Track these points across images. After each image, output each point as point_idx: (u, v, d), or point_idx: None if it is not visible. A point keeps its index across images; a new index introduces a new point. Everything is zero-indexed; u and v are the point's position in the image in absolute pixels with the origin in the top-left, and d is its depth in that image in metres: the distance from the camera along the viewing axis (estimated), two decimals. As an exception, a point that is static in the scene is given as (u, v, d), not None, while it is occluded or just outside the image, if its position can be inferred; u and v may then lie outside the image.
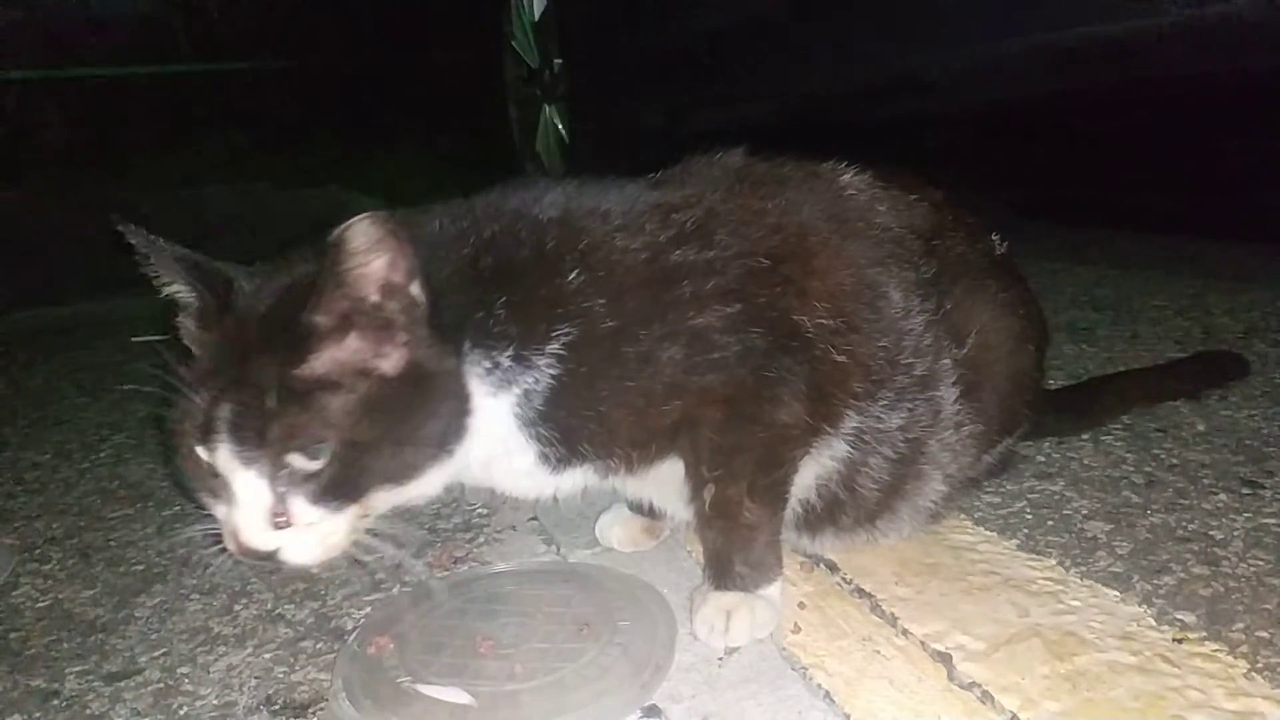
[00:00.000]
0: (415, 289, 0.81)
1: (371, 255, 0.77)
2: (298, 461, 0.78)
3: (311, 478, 0.79)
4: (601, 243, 0.90)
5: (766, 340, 0.91)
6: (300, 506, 0.80)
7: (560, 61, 3.63)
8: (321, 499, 0.80)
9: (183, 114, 4.64)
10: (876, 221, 1.02)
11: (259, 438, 0.77)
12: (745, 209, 0.96)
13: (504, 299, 0.87)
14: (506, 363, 0.87)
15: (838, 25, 2.21)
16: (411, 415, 0.83)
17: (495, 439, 0.90)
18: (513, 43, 3.92)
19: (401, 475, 0.84)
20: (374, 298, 0.80)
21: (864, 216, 1.02)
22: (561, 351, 0.87)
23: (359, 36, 4.99)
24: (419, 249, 0.82)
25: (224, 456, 0.79)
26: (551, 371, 0.87)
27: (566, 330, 0.87)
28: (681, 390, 0.90)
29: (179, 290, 0.87)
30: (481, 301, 0.87)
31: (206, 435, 0.80)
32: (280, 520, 0.80)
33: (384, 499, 0.86)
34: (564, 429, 0.90)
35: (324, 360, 0.79)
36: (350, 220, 0.75)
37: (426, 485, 0.88)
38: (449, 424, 0.85)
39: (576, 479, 0.96)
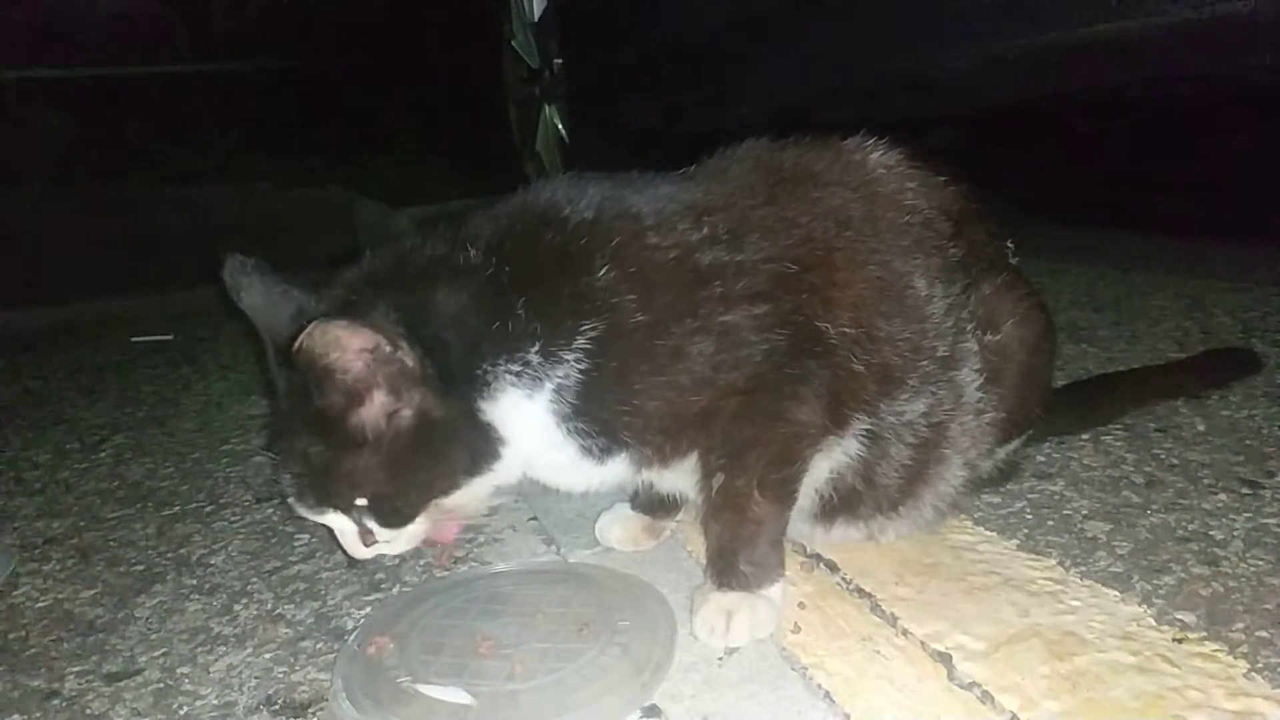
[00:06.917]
0: (401, 353, 0.86)
1: (334, 351, 0.83)
2: (351, 505, 0.91)
3: (368, 511, 0.91)
4: (632, 241, 0.92)
5: (791, 342, 0.93)
6: (377, 529, 0.92)
7: (560, 61, 3.63)
8: (385, 524, 0.92)
9: (183, 114, 4.65)
10: (906, 204, 1.03)
11: (313, 502, 0.91)
12: (777, 216, 0.97)
13: (524, 300, 0.90)
14: (535, 360, 0.90)
15: (837, 24, 2.21)
16: (429, 460, 0.91)
17: (536, 438, 0.94)
18: (513, 43, 3.92)
19: (441, 493, 0.93)
20: (361, 373, 0.85)
21: (893, 200, 1.03)
22: (589, 345, 0.90)
23: (359, 36, 5.00)
24: (410, 303, 0.89)
25: (300, 511, 0.93)
26: (580, 365, 0.90)
27: (593, 325, 0.90)
28: (709, 383, 0.93)
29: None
30: (499, 310, 0.90)
31: (282, 496, 0.96)
32: (369, 538, 0.93)
33: (443, 509, 0.95)
34: (600, 421, 0.93)
35: (348, 427, 0.87)
36: (306, 330, 0.81)
37: (472, 495, 0.96)
38: (471, 454, 0.92)
39: (619, 469, 0.98)
